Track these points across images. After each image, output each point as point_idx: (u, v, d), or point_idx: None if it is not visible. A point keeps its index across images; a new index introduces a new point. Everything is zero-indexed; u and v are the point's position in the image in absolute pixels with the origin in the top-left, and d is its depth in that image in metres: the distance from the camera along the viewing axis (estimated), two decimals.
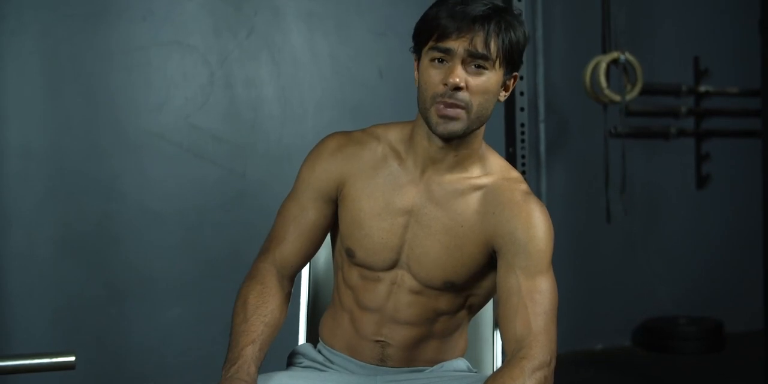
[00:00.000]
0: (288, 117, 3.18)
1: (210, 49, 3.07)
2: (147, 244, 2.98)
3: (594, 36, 3.79)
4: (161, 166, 3.01)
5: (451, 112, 1.30)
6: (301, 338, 1.62)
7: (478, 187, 1.38)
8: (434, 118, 1.31)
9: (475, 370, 1.52)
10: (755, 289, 3.19)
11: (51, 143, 2.87)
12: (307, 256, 1.47)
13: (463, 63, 1.29)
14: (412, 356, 1.45)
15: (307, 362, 1.50)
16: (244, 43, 3.12)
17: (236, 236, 3.07)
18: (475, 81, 1.30)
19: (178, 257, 3.02)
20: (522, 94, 2.70)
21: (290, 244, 1.43)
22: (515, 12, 1.40)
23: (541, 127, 3.69)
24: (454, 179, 1.38)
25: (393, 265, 1.40)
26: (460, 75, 1.28)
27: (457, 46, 1.28)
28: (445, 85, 1.29)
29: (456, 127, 1.31)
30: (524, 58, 2.64)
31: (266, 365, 1.46)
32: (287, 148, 3.15)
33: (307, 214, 1.43)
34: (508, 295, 1.31)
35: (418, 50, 1.36)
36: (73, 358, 0.97)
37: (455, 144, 1.36)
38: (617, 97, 3.68)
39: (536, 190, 3.58)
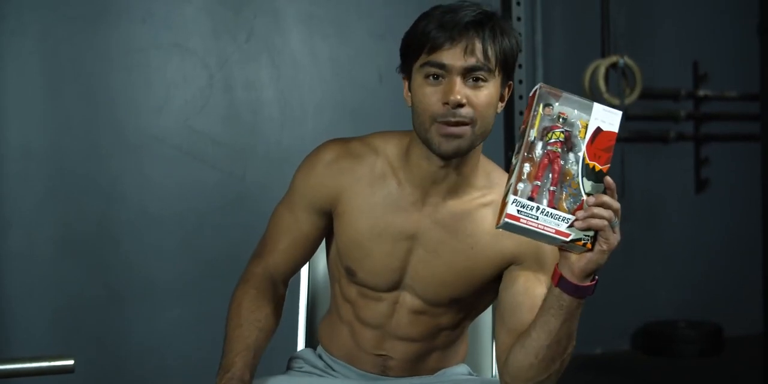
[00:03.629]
0: (288, 120, 3.18)
1: (209, 51, 3.07)
2: (147, 245, 2.98)
3: (593, 40, 3.79)
4: (161, 168, 3.01)
5: (454, 130, 1.22)
6: (300, 344, 1.62)
7: (485, 205, 1.32)
8: (436, 138, 1.23)
9: (475, 374, 1.52)
10: (754, 293, 3.19)
11: (51, 144, 2.87)
12: (300, 265, 1.45)
13: (461, 77, 1.22)
14: (414, 367, 1.43)
15: (307, 367, 1.48)
16: (244, 45, 3.12)
17: (236, 238, 3.06)
18: (476, 95, 1.22)
19: (177, 259, 3.02)
20: (521, 98, 2.70)
21: (282, 253, 1.41)
22: (507, 17, 1.35)
23: None
24: (459, 200, 1.32)
25: (395, 287, 1.36)
26: (460, 92, 1.21)
27: (453, 59, 1.21)
28: (445, 103, 1.21)
29: (461, 145, 1.23)
30: (523, 62, 2.66)
31: (266, 370, 1.46)
32: (287, 150, 3.15)
33: (300, 226, 1.39)
34: (535, 303, 1.24)
35: (407, 68, 1.28)
36: (71, 362, 0.97)
37: (455, 163, 1.29)
38: (616, 101, 3.68)
39: None
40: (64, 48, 2.89)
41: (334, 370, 1.47)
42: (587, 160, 1.08)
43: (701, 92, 4.06)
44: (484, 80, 1.23)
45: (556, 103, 1.09)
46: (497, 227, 1.09)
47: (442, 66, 1.22)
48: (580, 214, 1.07)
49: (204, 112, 3.07)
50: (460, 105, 1.21)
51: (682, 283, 4.07)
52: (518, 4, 2.57)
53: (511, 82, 1.31)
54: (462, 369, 1.49)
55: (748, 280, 3.80)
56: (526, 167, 1.08)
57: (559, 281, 1.13)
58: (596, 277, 1.14)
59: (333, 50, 3.25)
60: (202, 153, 3.06)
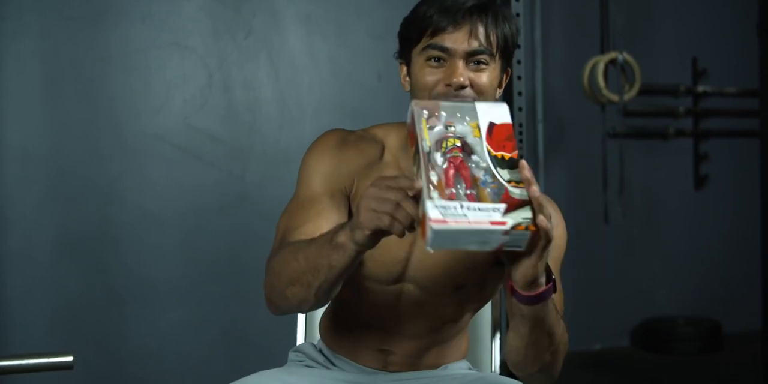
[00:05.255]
0: (286, 119, 3.18)
1: (209, 51, 3.07)
2: (146, 246, 2.98)
3: (592, 36, 3.79)
4: (160, 168, 3.01)
5: None
6: (300, 338, 1.62)
7: None
8: None
9: (475, 369, 1.51)
10: (753, 289, 3.19)
11: (50, 145, 2.88)
12: None
13: (464, 60, 1.23)
14: (416, 362, 1.43)
15: (308, 361, 1.47)
16: (243, 45, 3.12)
17: (235, 238, 3.06)
18: (479, 78, 1.23)
19: (176, 259, 3.02)
20: (520, 94, 2.71)
21: (310, 225, 1.26)
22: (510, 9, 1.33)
23: (539, 127, 3.70)
24: None
25: (399, 279, 1.34)
26: (463, 74, 1.22)
27: (456, 43, 1.22)
28: (448, 85, 1.22)
29: None
30: (522, 58, 2.66)
31: (266, 363, 1.46)
32: (285, 150, 3.15)
33: (324, 203, 1.28)
34: None
35: (406, 53, 1.28)
36: (71, 358, 0.97)
37: None
38: (615, 98, 3.69)
39: None
40: (64, 48, 2.89)
41: (334, 364, 1.46)
42: (493, 153, 1.06)
43: (700, 88, 4.06)
44: (486, 64, 1.24)
45: (438, 114, 1.08)
46: (427, 247, 1.00)
47: (444, 49, 1.23)
48: (525, 174, 1.01)
49: (203, 111, 3.07)
50: (463, 87, 1.22)
51: (681, 279, 4.07)
52: (517, 0, 2.58)
53: (509, 69, 1.32)
54: (463, 364, 1.48)
55: (747, 276, 3.80)
56: (433, 176, 1.02)
57: (512, 293, 1.11)
58: (552, 277, 1.10)
59: (332, 50, 3.25)
60: (202, 152, 3.06)
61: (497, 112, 1.08)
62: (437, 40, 1.23)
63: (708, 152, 4.09)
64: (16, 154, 2.84)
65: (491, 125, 1.07)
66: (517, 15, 2.51)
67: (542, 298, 1.10)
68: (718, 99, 4.11)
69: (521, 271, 1.06)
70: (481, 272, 1.34)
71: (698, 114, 4.09)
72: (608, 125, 3.75)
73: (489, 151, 1.05)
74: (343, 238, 1.11)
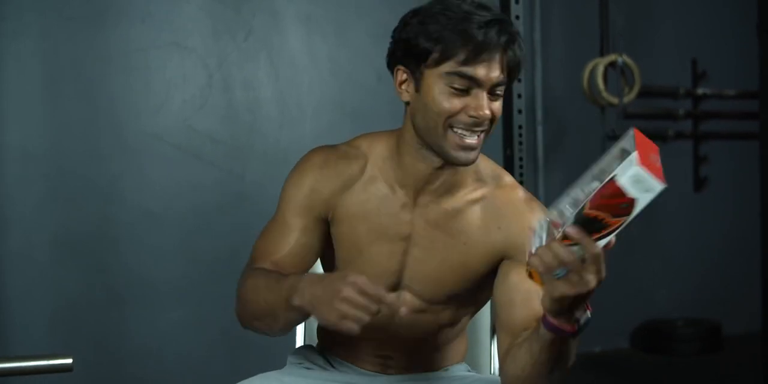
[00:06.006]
0: (286, 119, 3.18)
1: (208, 51, 3.07)
2: (146, 246, 2.98)
3: (592, 37, 3.79)
4: (160, 168, 3.01)
5: (473, 142, 1.24)
6: (299, 340, 1.62)
7: (474, 201, 1.33)
8: (453, 151, 1.24)
9: (474, 371, 1.52)
10: (753, 291, 3.19)
11: (50, 145, 2.87)
12: None
13: (488, 91, 1.23)
14: (415, 365, 1.44)
15: (307, 364, 1.48)
16: (243, 45, 3.12)
17: (235, 238, 3.06)
18: (495, 108, 1.25)
19: (176, 259, 3.02)
20: (519, 96, 2.70)
21: (281, 266, 1.31)
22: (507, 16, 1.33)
23: (539, 129, 3.70)
24: (450, 199, 1.32)
25: (394, 288, 1.35)
26: (489, 107, 1.23)
27: (487, 75, 1.21)
28: (472, 116, 1.22)
29: (475, 155, 1.26)
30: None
31: (265, 365, 1.46)
32: (285, 150, 3.15)
33: (298, 236, 1.33)
34: (527, 298, 1.26)
35: (414, 66, 1.25)
36: (70, 361, 0.97)
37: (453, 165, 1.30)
38: (615, 100, 3.68)
39: (534, 194, 3.58)
40: (64, 49, 2.88)
41: (333, 366, 1.47)
42: (587, 202, 1.03)
43: (700, 90, 4.06)
44: (501, 94, 1.26)
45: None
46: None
47: (474, 80, 1.22)
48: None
49: (203, 111, 3.07)
50: (488, 119, 1.24)
51: (680, 281, 4.07)
52: (517, 2, 2.57)
53: None
54: (462, 367, 1.49)
55: (746, 278, 3.80)
56: (568, 207, 1.05)
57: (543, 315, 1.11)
58: (579, 322, 1.12)
59: (332, 50, 3.25)
60: (202, 152, 3.06)
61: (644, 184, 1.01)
62: (467, 69, 1.21)
63: (708, 154, 4.09)
64: (16, 154, 2.83)
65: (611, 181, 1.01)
66: (517, 17, 2.51)
67: (561, 332, 1.11)
68: (717, 101, 4.11)
69: (550, 294, 1.07)
70: (476, 281, 1.35)
71: (698, 116, 4.09)
72: (608, 127, 3.74)
73: (587, 203, 1.02)
74: (297, 302, 1.16)
